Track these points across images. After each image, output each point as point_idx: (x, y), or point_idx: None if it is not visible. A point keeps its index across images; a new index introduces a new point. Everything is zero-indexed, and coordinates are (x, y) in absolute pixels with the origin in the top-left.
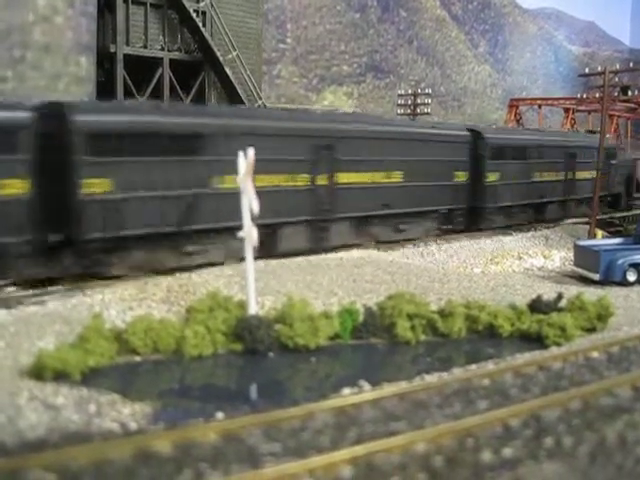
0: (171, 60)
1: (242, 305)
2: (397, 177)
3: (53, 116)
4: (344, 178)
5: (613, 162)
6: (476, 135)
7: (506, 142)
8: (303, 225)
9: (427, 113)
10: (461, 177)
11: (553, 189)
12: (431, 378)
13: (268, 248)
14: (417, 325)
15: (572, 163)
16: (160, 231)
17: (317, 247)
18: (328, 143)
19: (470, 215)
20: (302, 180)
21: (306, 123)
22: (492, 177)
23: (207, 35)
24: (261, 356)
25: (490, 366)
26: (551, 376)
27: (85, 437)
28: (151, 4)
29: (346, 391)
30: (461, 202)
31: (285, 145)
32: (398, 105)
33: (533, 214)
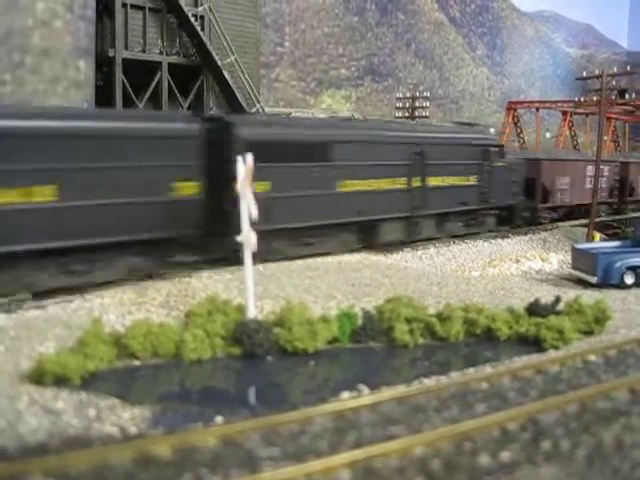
0: (170, 64)
1: (241, 309)
2: (44, 195)
3: None
4: None
5: (498, 164)
6: (221, 128)
7: (283, 137)
8: None
9: (426, 116)
10: (188, 190)
11: (385, 202)
12: (429, 382)
13: None
14: (415, 329)
15: (420, 166)
16: None
17: None
18: None
19: (215, 244)
20: None
21: None
22: (256, 188)
23: (205, 39)
24: (260, 360)
25: (488, 369)
26: (549, 379)
27: (85, 441)
28: (150, 8)
29: (345, 395)
30: (188, 226)
31: None
32: (397, 108)
33: (354, 238)
